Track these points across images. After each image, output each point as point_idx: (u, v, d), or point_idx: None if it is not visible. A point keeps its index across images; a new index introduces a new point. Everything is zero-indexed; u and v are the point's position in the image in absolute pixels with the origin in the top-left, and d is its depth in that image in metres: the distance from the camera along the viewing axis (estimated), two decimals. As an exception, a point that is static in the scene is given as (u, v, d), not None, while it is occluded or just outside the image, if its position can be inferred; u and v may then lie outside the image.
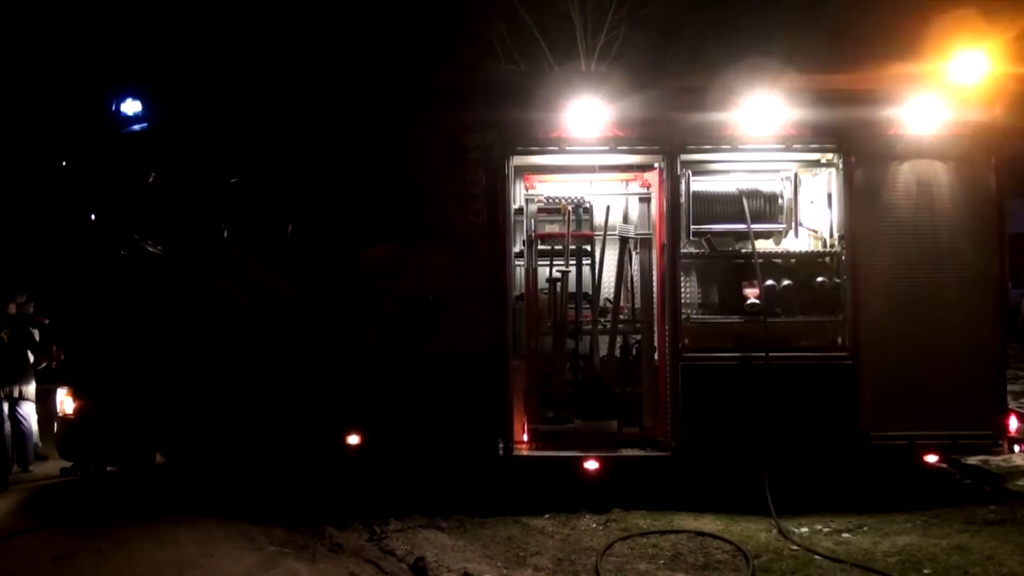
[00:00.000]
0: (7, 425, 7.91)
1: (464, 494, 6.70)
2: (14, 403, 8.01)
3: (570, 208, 7.10)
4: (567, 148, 6.70)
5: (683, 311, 6.74)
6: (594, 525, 6.20)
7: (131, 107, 6.90)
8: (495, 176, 6.63)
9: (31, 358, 8.20)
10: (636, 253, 7.30)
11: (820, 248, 7.04)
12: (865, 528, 6.01)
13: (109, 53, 15.85)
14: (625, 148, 6.74)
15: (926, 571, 5.16)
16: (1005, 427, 6.45)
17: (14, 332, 8.07)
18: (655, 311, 7.07)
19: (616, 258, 7.24)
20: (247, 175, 6.83)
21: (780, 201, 7.02)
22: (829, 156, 6.83)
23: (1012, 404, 7.25)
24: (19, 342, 8.10)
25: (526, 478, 6.85)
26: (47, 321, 8.72)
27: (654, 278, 7.11)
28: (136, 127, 6.93)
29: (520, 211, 7.17)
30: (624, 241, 7.21)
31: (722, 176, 7.17)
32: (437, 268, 6.63)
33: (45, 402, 8.20)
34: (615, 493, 6.57)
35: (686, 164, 6.76)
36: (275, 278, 6.70)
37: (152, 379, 6.69)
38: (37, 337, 8.46)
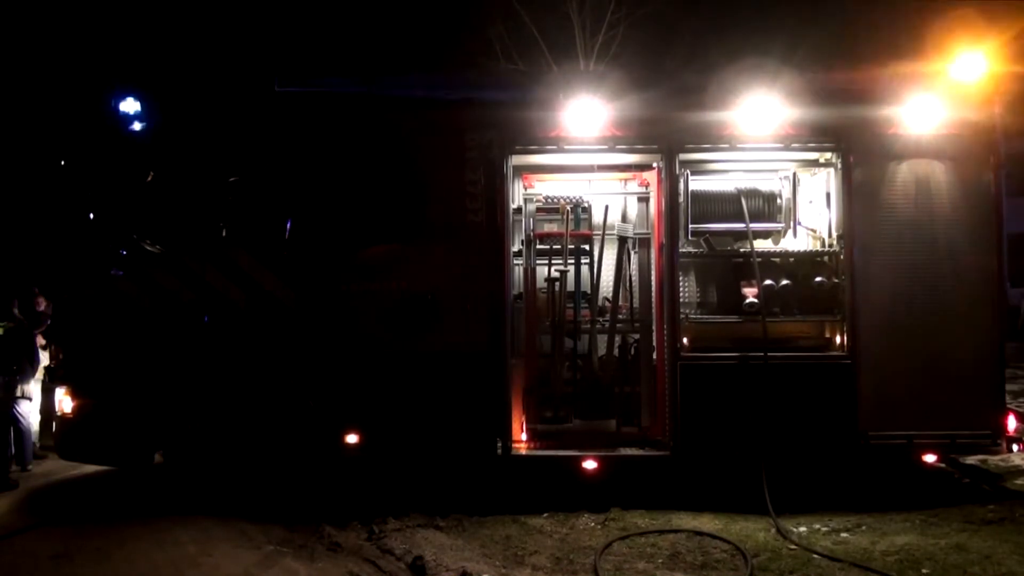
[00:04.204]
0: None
1: (463, 493, 6.71)
2: (13, 401, 8.01)
3: (569, 207, 7.10)
4: (566, 147, 6.70)
5: (682, 311, 6.74)
6: (592, 524, 6.20)
7: (130, 107, 6.90)
8: (494, 175, 6.63)
9: (43, 357, 8.23)
10: (635, 252, 7.30)
11: (819, 248, 7.05)
12: (864, 527, 6.01)
13: (109, 53, 15.85)
14: (624, 147, 6.75)
15: (924, 570, 5.16)
16: (1004, 426, 6.45)
17: (19, 330, 8.08)
18: (654, 310, 7.07)
19: (615, 257, 7.25)
20: (246, 174, 6.84)
21: (779, 200, 7.03)
22: (828, 156, 6.83)
23: (1011, 403, 7.25)
24: (23, 341, 8.10)
25: (524, 477, 6.85)
26: (43, 307, 8.76)
27: (652, 277, 7.12)
28: (135, 127, 6.94)
29: (519, 210, 7.16)
30: (623, 240, 7.21)
31: (721, 175, 7.17)
32: (436, 267, 6.63)
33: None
34: (613, 492, 6.57)
35: (685, 163, 6.76)
36: (274, 277, 6.70)
37: (151, 378, 6.69)
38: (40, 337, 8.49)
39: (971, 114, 6.49)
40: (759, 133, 6.57)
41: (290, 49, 16.64)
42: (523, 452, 6.74)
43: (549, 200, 7.23)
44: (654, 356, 7.02)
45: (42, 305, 8.91)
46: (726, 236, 7.09)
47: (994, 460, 7.45)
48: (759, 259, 6.72)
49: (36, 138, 14.89)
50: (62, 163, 7.16)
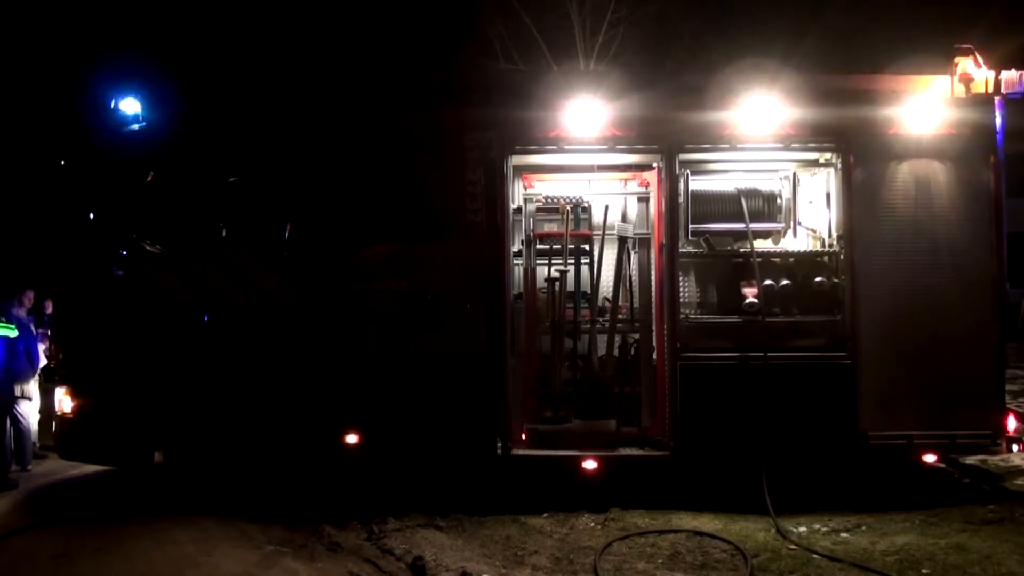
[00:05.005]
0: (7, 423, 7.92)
1: (462, 493, 6.71)
2: (14, 401, 8.01)
3: (568, 207, 7.10)
4: (566, 147, 6.70)
5: (682, 310, 6.73)
6: (592, 524, 6.20)
7: (130, 107, 6.90)
8: (494, 175, 6.62)
9: (43, 358, 8.24)
10: (635, 252, 7.30)
11: (819, 248, 7.04)
12: (863, 527, 6.01)
13: (108, 53, 15.84)
14: (624, 147, 6.74)
15: (924, 570, 5.16)
16: (1003, 426, 6.44)
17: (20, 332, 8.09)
18: (654, 310, 7.07)
19: (615, 257, 7.25)
20: (246, 174, 6.84)
21: (779, 200, 7.03)
22: (828, 156, 6.83)
23: (1011, 403, 7.25)
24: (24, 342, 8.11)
25: (524, 477, 6.85)
26: (51, 309, 8.80)
27: (652, 277, 7.11)
28: (135, 126, 6.94)
29: (519, 210, 7.16)
30: (623, 240, 7.21)
31: (721, 175, 7.16)
32: (436, 267, 6.63)
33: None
34: (613, 492, 6.57)
35: (685, 163, 6.75)
36: (274, 277, 6.70)
37: (151, 378, 6.69)
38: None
39: (971, 114, 6.49)
40: (759, 133, 6.56)
41: (290, 48, 16.65)
42: (523, 452, 6.73)
43: (549, 200, 7.23)
44: (654, 356, 7.02)
45: (50, 308, 8.95)
46: (726, 236, 7.08)
47: (994, 460, 7.45)
48: (759, 259, 6.72)
49: (36, 138, 14.89)
50: (62, 163, 7.15)
